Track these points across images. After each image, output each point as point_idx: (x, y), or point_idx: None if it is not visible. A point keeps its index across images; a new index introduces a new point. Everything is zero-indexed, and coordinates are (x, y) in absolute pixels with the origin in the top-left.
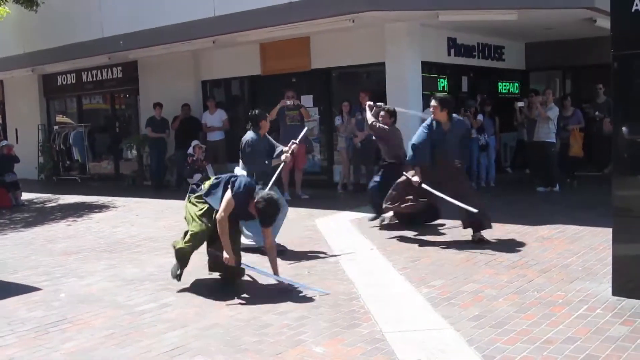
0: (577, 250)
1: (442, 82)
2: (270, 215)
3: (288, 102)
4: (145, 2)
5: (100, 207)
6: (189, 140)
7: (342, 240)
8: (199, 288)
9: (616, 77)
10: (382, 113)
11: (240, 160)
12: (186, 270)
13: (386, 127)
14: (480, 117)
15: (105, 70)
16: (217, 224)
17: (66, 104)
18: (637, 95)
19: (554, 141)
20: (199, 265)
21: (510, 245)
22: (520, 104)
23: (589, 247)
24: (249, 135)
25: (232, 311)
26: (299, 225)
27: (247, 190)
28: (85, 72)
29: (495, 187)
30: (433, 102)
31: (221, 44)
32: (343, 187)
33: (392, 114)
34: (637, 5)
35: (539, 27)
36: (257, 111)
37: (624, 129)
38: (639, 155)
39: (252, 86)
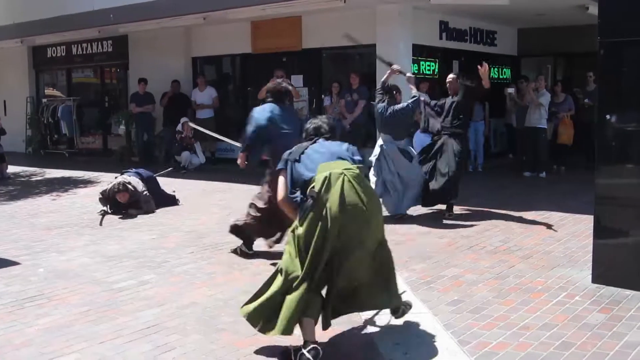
0: (560, 237)
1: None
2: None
3: (278, 82)
4: None
5: (86, 183)
6: (177, 117)
7: None
8: (179, 267)
9: (602, 65)
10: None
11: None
12: (166, 247)
13: None
14: None
15: (96, 43)
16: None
17: (56, 77)
18: (623, 83)
19: (545, 127)
20: (180, 244)
21: (493, 231)
22: (510, 90)
23: (572, 234)
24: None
25: (211, 290)
26: None
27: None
28: (75, 45)
29: (483, 172)
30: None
31: (212, 20)
32: None
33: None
34: None
35: (531, 12)
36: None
37: (608, 117)
38: (622, 144)
39: (243, 64)
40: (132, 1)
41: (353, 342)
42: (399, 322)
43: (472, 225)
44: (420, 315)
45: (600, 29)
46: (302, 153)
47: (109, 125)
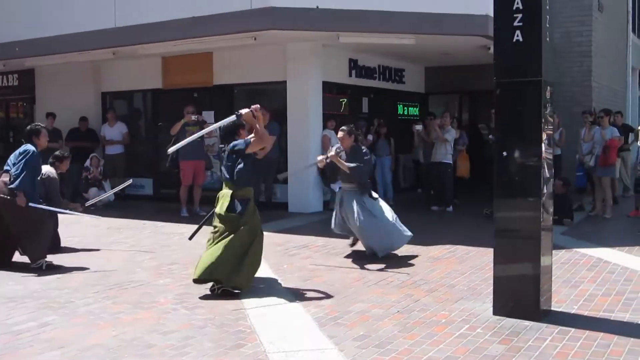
0: (465, 270)
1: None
2: None
3: (193, 118)
4: (44, 9)
5: None
6: (84, 152)
7: None
8: (83, 307)
9: (499, 103)
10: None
11: None
12: (71, 286)
13: None
14: (369, 137)
15: (0, 77)
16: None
17: None
18: (518, 121)
19: (450, 162)
20: (85, 284)
21: (401, 265)
22: (417, 126)
23: (476, 267)
24: None
25: (115, 331)
26: (193, 242)
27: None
28: None
29: (393, 206)
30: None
31: (122, 55)
32: None
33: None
34: (517, 36)
35: (437, 52)
36: None
37: (505, 153)
38: (520, 179)
39: (154, 100)
40: (39, 35)
41: None
42: (305, 357)
43: (380, 260)
44: (326, 351)
45: (496, 70)
46: None
47: None
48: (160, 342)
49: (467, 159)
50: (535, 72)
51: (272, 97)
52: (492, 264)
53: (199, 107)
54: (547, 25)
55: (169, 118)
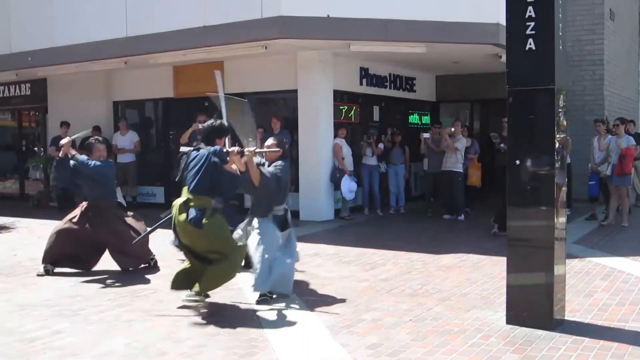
0: (477, 279)
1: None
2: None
3: (200, 126)
4: (56, 19)
5: (1, 228)
6: None
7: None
8: (96, 314)
9: (511, 112)
10: None
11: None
12: (84, 294)
13: None
14: (381, 145)
15: (13, 86)
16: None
17: None
18: (530, 129)
19: (461, 171)
20: (98, 291)
21: (413, 273)
22: (425, 134)
23: (489, 276)
24: None
25: (127, 338)
26: None
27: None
28: None
29: (404, 214)
30: None
31: (133, 64)
32: None
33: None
34: (530, 44)
35: (448, 60)
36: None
37: (518, 162)
38: (532, 188)
39: (165, 108)
40: (51, 44)
41: None
42: None
43: (392, 268)
44: (339, 359)
45: (508, 78)
46: None
47: (27, 170)
48: (173, 350)
49: (478, 168)
50: (548, 80)
51: (283, 105)
52: (505, 273)
53: (210, 115)
54: (560, 34)
55: (180, 126)
